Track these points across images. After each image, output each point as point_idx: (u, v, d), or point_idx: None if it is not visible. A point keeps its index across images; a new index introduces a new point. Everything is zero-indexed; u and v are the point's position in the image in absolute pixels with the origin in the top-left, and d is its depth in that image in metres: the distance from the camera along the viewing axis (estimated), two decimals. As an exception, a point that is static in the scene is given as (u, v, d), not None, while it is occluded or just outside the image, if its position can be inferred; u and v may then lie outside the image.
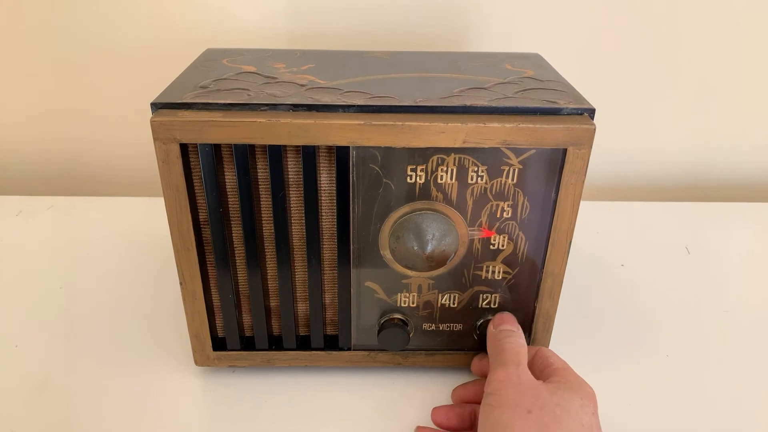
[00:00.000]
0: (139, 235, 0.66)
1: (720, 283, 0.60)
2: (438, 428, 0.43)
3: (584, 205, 0.42)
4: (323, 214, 0.42)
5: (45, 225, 0.68)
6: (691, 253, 0.65)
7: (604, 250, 0.65)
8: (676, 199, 0.79)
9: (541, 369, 0.41)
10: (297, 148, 0.39)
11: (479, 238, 0.42)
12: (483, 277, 0.44)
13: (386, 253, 0.43)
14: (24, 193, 0.76)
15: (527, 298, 0.45)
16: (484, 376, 0.46)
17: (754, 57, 0.71)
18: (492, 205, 0.41)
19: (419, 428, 0.43)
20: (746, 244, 0.67)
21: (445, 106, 0.38)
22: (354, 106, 0.38)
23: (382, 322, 0.46)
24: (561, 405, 0.36)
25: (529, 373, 0.39)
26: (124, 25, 0.68)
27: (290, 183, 0.41)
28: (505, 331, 0.42)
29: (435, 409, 0.44)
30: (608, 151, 0.76)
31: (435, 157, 0.39)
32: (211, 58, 0.48)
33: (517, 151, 0.39)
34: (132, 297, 0.57)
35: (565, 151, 0.39)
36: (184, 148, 0.39)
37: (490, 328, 0.44)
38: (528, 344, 0.47)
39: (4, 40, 0.69)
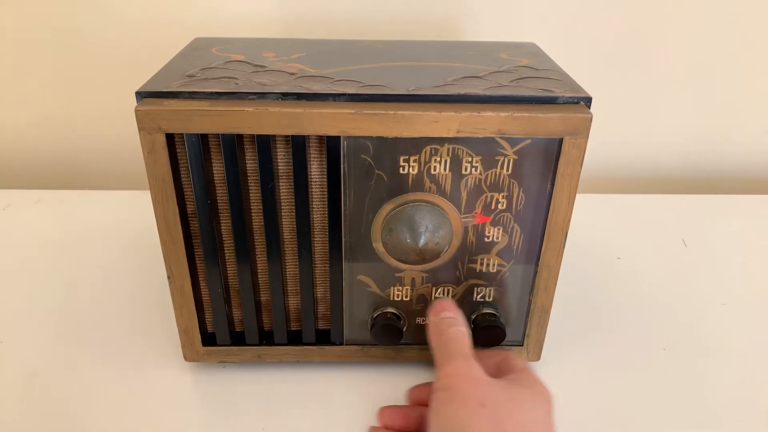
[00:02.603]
0: (128, 228, 0.64)
1: (717, 275, 0.60)
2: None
3: (579, 198, 0.42)
4: (314, 206, 0.41)
5: (33, 219, 0.67)
6: (687, 245, 0.64)
7: (599, 243, 0.64)
8: (672, 191, 0.79)
9: (504, 371, 0.39)
10: (286, 138, 0.38)
11: (473, 228, 0.42)
12: (477, 270, 0.43)
13: (379, 246, 0.42)
14: (11, 187, 0.75)
15: (522, 291, 0.44)
16: (419, 403, 0.44)
17: (753, 46, 0.70)
18: (486, 197, 0.40)
19: (372, 429, 0.42)
20: (744, 236, 0.66)
21: (438, 95, 0.37)
22: (345, 94, 0.37)
23: (375, 316, 0.45)
24: (514, 399, 0.35)
25: (479, 365, 0.37)
26: (111, 17, 0.67)
27: (280, 174, 0.40)
28: (447, 320, 0.40)
29: (381, 410, 0.43)
30: (603, 143, 0.75)
31: (428, 148, 0.38)
32: (199, 47, 0.47)
33: (512, 141, 0.38)
34: (120, 291, 0.56)
35: (561, 140, 0.38)
36: (170, 138, 0.37)
37: (431, 316, 0.41)
38: (522, 341, 0.46)
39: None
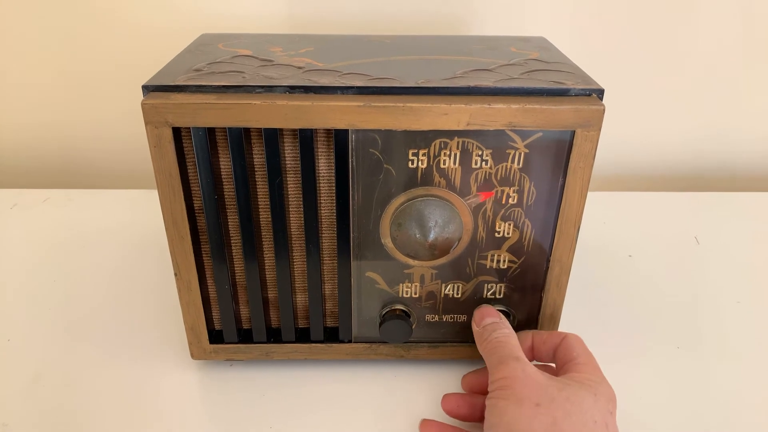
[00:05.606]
0: (135, 227, 0.64)
1: (731, 273, 0.59)
2: (442, 423, 0.42)
3: (589, 195, 0.41)
4: (322, 201, 0.41)
5: (40, 218, 0.67)
6: (700, 243, 0.63)
7: (610, 240, 0.63)
8: (684, 188, 0.78)
9: (564, 361, 0.39)
10: (294, 132, 0.38)
11: (484, 223, 0.41)
12: (487, 267, 0.43)
13: (387, 242, 0.42)
14: (19, 186, 0.75)
15: (534, 288, 0.44)
16: (473, 391, 0.44)
17: (766, 42, 0.69)
18: (497, 191, 0.40)
19: (424, 422, 0.42)
20: (757, 234, 0.65)
21: (448, 87, 0.37)
22: (353, 87, 0.37)
23: (384, 313, 0.44)
24: (571, 399, 0.34)
25: (532, 365, 0.37)
26: (119, 15, 0.66)
27: (287, 169, 0.39)
28: (489, 326, 0.40)
29: (446, 396, 0.42)
30: (614, 140, 0.74)
31: (437, 141, 0.38)
32: (205, 42, 0.47)
33: (523, 134, 0.38)
34: (127, 290, 0.55)
35: (573, 133, 0.37)
36: (177, 132, 0.37)
37: (474, 327, 0.42)
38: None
39: (-3, 29, 0.67)
